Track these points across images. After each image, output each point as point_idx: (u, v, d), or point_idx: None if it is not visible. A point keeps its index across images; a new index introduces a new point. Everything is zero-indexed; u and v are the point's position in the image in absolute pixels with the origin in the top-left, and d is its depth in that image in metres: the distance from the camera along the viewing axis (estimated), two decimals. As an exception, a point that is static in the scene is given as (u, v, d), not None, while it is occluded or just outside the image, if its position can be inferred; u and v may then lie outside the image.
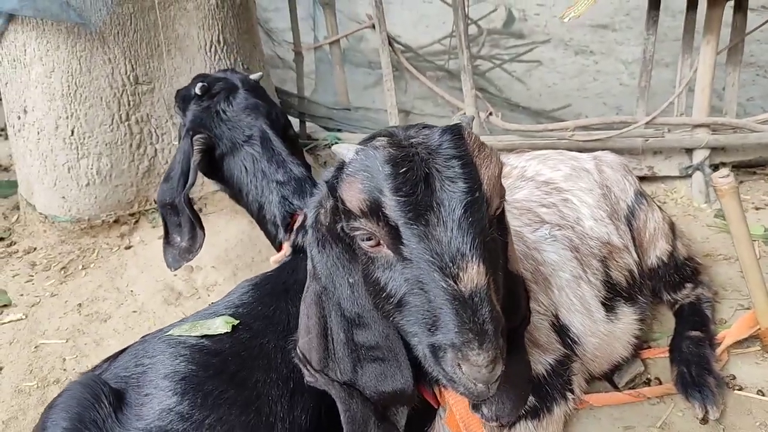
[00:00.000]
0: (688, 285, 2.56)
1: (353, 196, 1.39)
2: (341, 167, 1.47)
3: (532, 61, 6.03)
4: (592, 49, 6.47)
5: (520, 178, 2.42)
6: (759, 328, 2.31)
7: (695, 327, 2.40)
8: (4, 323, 2.83)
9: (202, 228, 2.52)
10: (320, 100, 4.06)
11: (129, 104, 3.09)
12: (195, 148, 2.42)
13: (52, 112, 3.05)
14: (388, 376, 1.58)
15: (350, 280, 1.55)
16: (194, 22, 3.11)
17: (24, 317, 2.86)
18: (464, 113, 3.59)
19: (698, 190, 3.45)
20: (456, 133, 1.42)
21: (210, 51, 3.17)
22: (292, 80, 4.18)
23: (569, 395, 2.08)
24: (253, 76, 2.65)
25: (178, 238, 2.55)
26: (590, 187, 2.41)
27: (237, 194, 2.56)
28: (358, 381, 1.60)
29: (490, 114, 3.63)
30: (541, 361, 2.04)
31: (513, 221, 2.24)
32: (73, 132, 3.07)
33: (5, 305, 2.94)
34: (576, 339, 2.16)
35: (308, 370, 1.62)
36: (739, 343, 2.40)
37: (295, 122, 4.14)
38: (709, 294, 2.59)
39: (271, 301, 1.92)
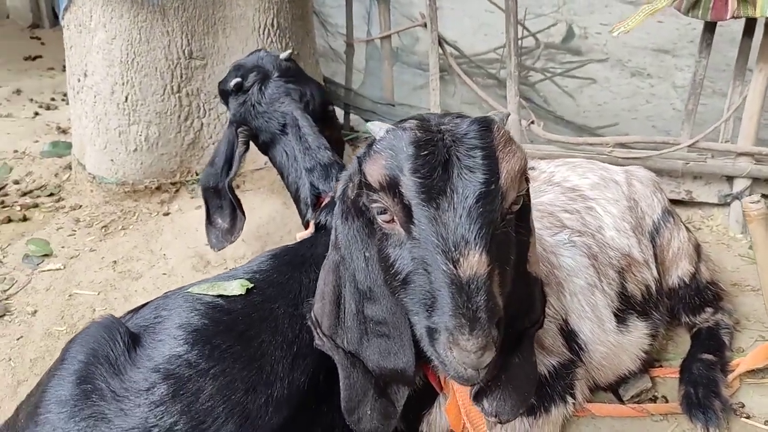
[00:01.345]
0: (708, 309, 2.53)
1: (375, 170, 1.44)
2: (371, 144, 1.53)
3: (585, 78, 5.99)
4: (649, 72, 6.39)
5: (547, 183, 2.44)
6: (775, 359, 2.28)
7: (709, 350, 2.38)
8: (44, 271, 2.99)
9: (242, 212, 2.67)
10: (366, 94, 4.14)
11: (181, 77, 3.23)
12: (240, 140, 2.58)
13: (109, 78, 3.21)
14: (391, 354, 1.62)
15: (366, 254, 1.59)
16: (251, 4, 3.24)
17: (62, 268, 3.02)
18: (508, 113, 3.61)
19: (735, 220, 3.39)
20: (484, 125, 1.45)
21: (263, 33, 3.29)
22: (341, 73, 4.27)
23: (569, 399, 2.09)
24: (282, 55, 2.72)
25: (220, 220, 2.70)
26: (617, 198, 2.41)
27: (280, 175, 2.70)
28: (362, 352, 1.64)
29: (532, 122, 3.64)
30: (544, 363, 2.06)
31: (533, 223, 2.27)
32: (127, 98, 3.22)
33: (46, 255, 3.10)
34: (583, 346, 2.17)
35: (318, 333, 1.67)
36: (753, 373, 2.37)
37: (339, 113, 4.23)
38: (729, 321, 2.55)
39: (287, 270, 1.99)
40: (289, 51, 2.78)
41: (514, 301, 1.57)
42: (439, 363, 1.42)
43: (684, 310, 2.53)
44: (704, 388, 2.21)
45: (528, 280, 1.68)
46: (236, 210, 2.68)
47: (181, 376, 1.60)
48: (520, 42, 5.31)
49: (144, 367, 1.61)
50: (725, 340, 2.47)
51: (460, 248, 1.33)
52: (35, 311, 2.74)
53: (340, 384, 1.64)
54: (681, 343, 2.58)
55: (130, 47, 3.14)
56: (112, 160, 3.35)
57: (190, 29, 3.16)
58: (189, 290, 1.92)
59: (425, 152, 1.39)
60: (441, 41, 3.75)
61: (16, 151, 4.20)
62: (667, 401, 2.30)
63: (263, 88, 2.61)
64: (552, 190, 2.41)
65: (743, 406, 2.27)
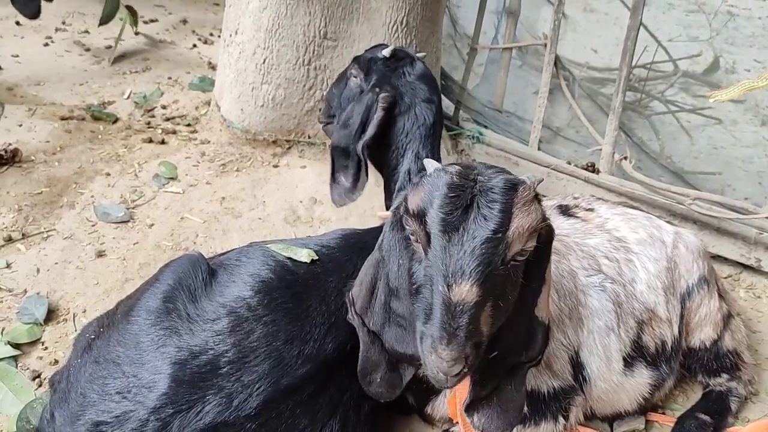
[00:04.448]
0: (725, 375, 2.69)
1: (413, 200, 1.77)
2: (422, 176, 1.86)
3: (711, 117, 5.87)
4: (782, 124, 6.14)
5: (599, 227, 2.67)
6: (772, 438, 2.41)
7: (708, 412, 2.56)
8: (167, 192, 3.53)
9: (366, 174, 2.76)
10: (479, 96, 4.40)
11: (313, 53, 3.64)
12: (380, 105, 2.68)
13: (254, 40, 3.68)
14: (405, 341, 1.97)
15: (400, 261, 1.92)
16: (386, 1, 3.58)
17: (181, 192, 3.54)
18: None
19: (797, 299, 3.45)
20: (510, 184, 1.73)
21: (392, 28, 3.63)
22: (461, 69, 4.54)
23: (561, 420, 2.37)
24: (419, 55, 2.90)
25: (343, 179, 2.84)
26: (658, 258, 2.60)
27: (385, 149, 2.78)
28: (383, 335, 2.00)
29: (624, 158, 3.80)
30: (547, 383, 2.35)
31: (573, 262, 2.53)
32: (264, 61, 3.68)
33: (172, 178, 3.63)
34: (587, 378, 2.43)
35: (352, 310, 2.05)
36: (746, 444, 2.54)
37: (450, 106, 4.53)
38: (743, 391, 2.70)
39: (348, 252, 2.35)
40: (423, 54, 2.95)
41: (513, 337, 1.88)
42: (423, 361, 1.73)
43: (700, 370, 2.71)
44: (688, 443, 2.43)
45: (532, 322, 1.95)
46: (360, 171, 2.74)
47: (241, 316, 2.00)
48: (649, 66, 5.32)
49: (215, 301, 2.03)
50: (731, 407, 2.64)
51: (455, 277, 1.64)
52: (152, 224, 3.28)
53: (360, 354, 2.02)
54: (692, 398, 2.76)
55: (276, 19, 3.57)
56: (242, 110, 3.85)
57: (330, 13, 3.55)
58: (268, 246, 2.33)
59: (453, 194, 1.70)
60: (557, 62, 3.95)
61: (170, 78, 4.82)
62: (655, 445, 2.54)
63: (413, 63, 2.80)
64: (601, 235, 2.64)
65: (725, 470, 2.47)
